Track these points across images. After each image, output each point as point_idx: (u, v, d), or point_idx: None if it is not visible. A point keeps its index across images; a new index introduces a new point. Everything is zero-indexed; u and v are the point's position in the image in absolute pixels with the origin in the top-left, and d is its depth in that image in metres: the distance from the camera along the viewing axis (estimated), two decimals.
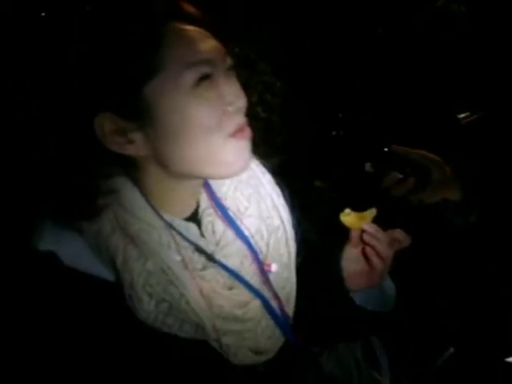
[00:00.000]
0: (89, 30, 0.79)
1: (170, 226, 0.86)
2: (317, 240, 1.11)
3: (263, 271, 0.93)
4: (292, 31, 1.87)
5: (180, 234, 0.86)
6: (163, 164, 0.83)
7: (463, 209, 1.28)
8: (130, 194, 0.84)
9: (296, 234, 1.02)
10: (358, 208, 0.98)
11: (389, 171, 1.23)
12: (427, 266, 1.39)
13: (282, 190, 1.03)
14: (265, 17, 1.88)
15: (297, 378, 0.99)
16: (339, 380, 1.12)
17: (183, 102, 0.78)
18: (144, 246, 0.82)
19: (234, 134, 0.83)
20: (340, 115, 1.48)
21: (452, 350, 1.43)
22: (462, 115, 1.66)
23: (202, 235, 0.90)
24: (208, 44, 0.81)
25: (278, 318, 0.93)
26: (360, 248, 0.99)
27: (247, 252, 0.92)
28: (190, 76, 0.78)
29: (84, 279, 0.81)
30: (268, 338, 0.92)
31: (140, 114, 0.79)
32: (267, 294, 0.93)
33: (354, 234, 0.98)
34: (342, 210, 0.98)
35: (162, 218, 0.85)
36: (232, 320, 0.87)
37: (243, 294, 0.90)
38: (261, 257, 0.94)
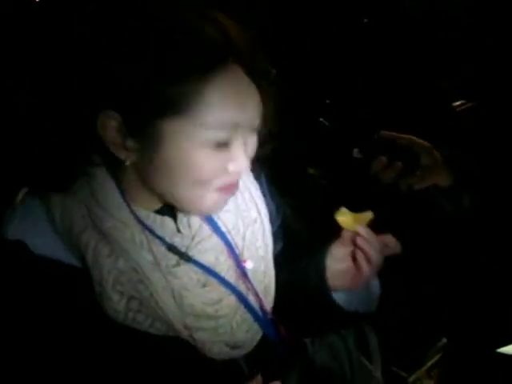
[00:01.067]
0: (140, 45, 0.76)
1: (144, 224, 0.85)
2: (302, 228, 1.10)
3: (240, 266, 0.92)
4: (280, 19, 1.85)
5: (154, 231, 0.86)
6: (145, 181, 0.84)
7: (454, 195, 1.26)
8: (106, 190, 0.84)
9: (273, 224, 1.01)
10: (353, 205, 0.95)
11: (377, 156, 1.21)
12: (418, 253, 1.38)
13: (260, 181, 1.02)
14: (255, 4, 1.87)
15: (285, 371, 0.97)
16: (331, 370, 1.10)
17: (191, 150, 0.77)
18: (116, 244, 0.81)
19: (222, 188, 0.82)
20: (327, 101, 1.46)
21: (445, 340, 1.42)
22: (457, 103, 1.65)
23: (178, 229, 0.89)
24: (246, 105, 0.79)
25: (255, 312, 0.93)
26: (349, 249, 0.96)
27: (223, 247, 0.92)
28: (209, 137, 0.76)
29: (56, 266, 0.80)
30: (245, 332, 0.91)
31: (145, 137, 0.78)
32: (244, 288, 0.92)
33: (346, 235, 0.94)
34: (332, 202, 0.96)
35: (136, 215, 0.84)
36: (204, 317, 0.86)
37: (217, 291, 0.89)
38: (237, 252, 0.93)
